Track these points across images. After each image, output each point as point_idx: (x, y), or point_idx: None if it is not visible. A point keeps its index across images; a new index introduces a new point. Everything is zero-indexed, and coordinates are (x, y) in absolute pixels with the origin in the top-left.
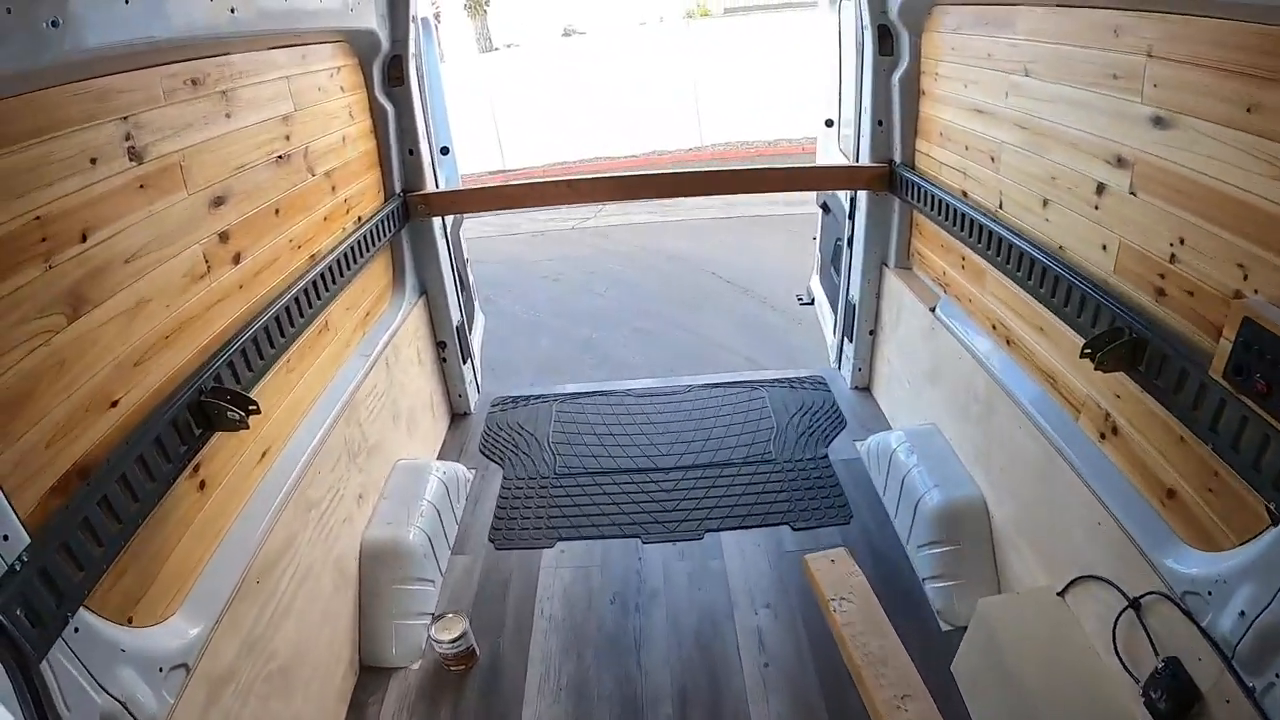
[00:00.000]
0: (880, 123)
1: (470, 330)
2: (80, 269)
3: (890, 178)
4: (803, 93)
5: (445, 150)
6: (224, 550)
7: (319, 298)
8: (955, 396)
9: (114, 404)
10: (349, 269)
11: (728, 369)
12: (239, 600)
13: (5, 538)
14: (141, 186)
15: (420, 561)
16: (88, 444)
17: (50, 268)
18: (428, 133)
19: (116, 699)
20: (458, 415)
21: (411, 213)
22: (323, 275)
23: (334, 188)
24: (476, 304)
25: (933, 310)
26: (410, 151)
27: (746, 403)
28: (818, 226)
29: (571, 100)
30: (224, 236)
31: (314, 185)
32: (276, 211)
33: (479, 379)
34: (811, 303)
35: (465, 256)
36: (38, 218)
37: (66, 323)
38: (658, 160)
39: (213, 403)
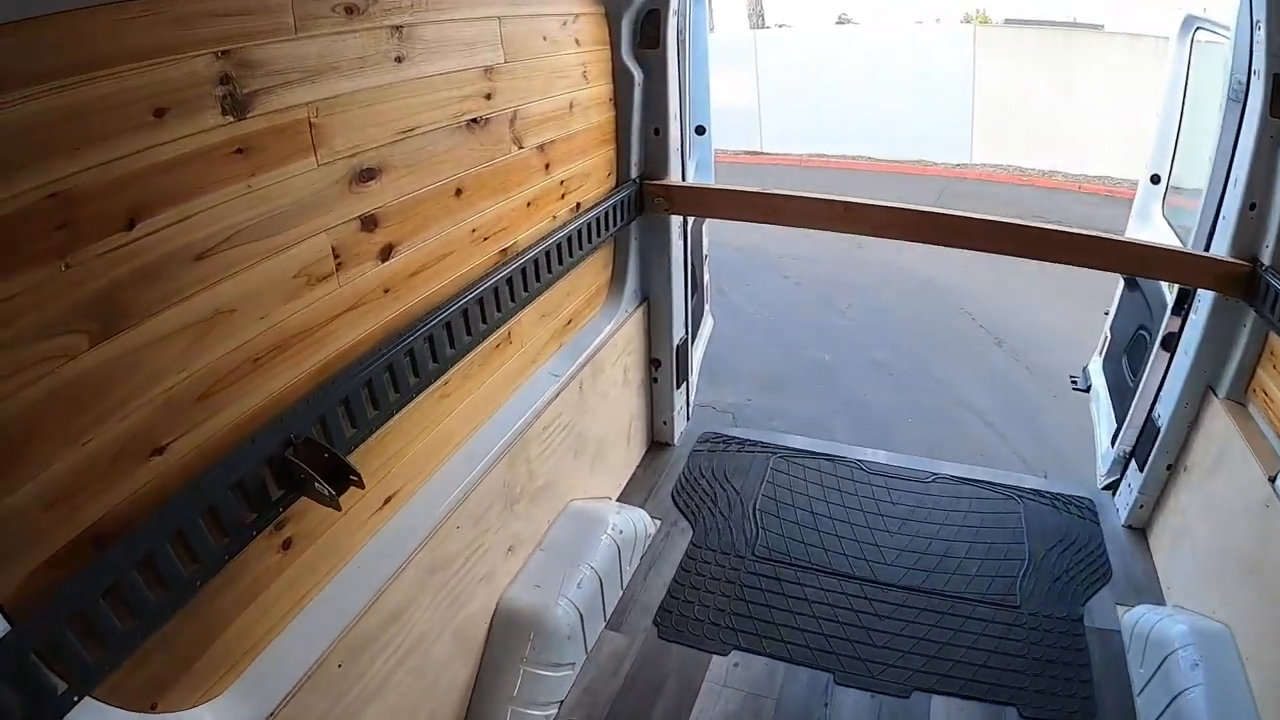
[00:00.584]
0: (1253, 206)
1: (694, 341)
2: (117, 269)
3: (1250, 282)
4: (1088, 125)
5: (701, 130)
6: (302, 624)
7: (504, 305)
8: (1277, 608)
9: (158, 451)
10: (555, 268)
11: (971, 441)
12: (308, 690)
13: None
14: (239, 151)
15: (561, 644)
16: (112, 502)
17: (67, 267)
18: (681, 110)
19: None
20: (658, 443)
21: (646, 205)
22: (515, 276)
23: (548, 166)
24: (708, 307)
25: (1273, 482)
26: (656, 131)
27: (998, 516)
28: (1113, 299)
29: (837, 90)
30: (369, 222)
31: (519, 161)
32: (458, 192)
33: (691, 406)
34: (1086, 389)
35: (705, 253)
36: (53, 195)
37: (88, 344)
38: (922, 171)
39: (298, 465)
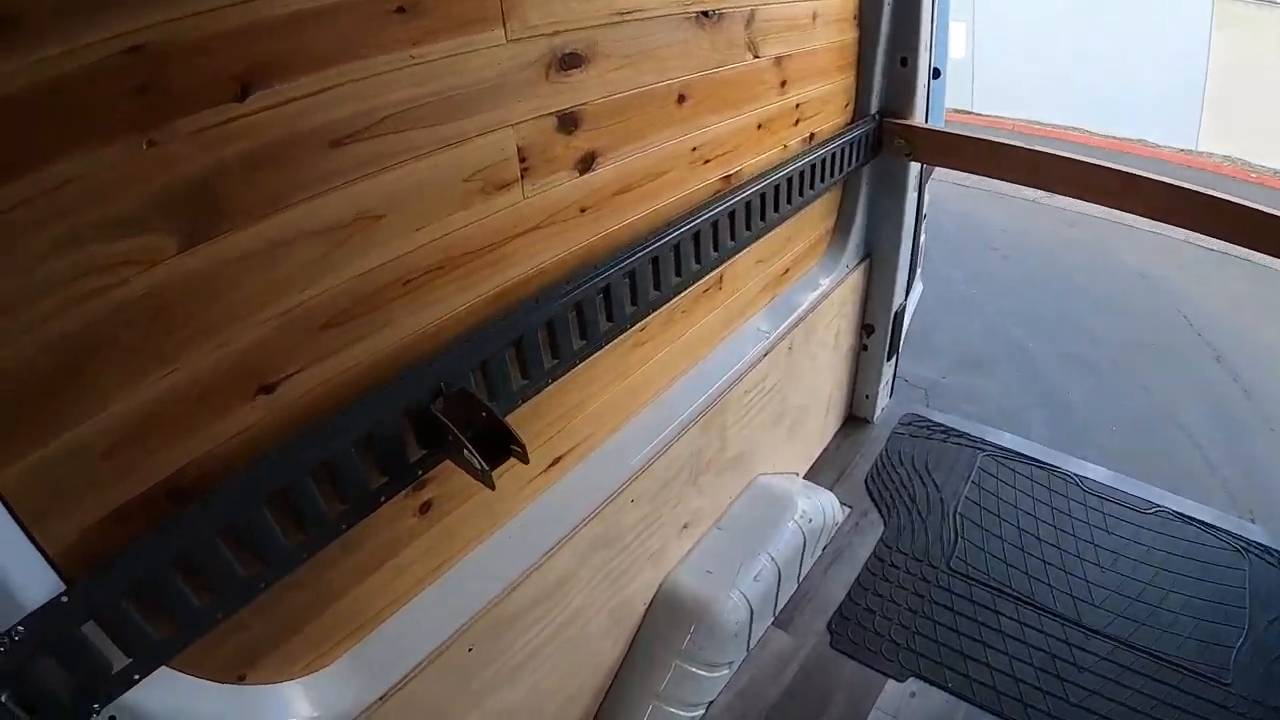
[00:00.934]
0: None
1: (905, 305)
2: (220, 150)
3: None
4: None
5: (937, 73)
6: (432, 597)
7: (723, 244)
8: None
9: (266, 390)
10: (784, 206)
11: (1177, 462)
12: (430, 673)
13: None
14: (400, 10)
15: (725, 642)
16: (199, 450)
17: (151, 145)
18: (931, 41)
19: None
20: (855, 418)
21: (885, 146)
22: (739, 210)
23: (784, 84)
24: (919, 271)
25: None
26: (903, 61)
27: (1220, 570)
28: None
29: (1055, 52)
30: (569, 122)
31: (753, 72)
32: (680, 99)
33: (894, 380)
34: None
35: (924, 211)
36: (134, 49)
37: (176, 248)
38: (1140, 151)
39: (445, 423)
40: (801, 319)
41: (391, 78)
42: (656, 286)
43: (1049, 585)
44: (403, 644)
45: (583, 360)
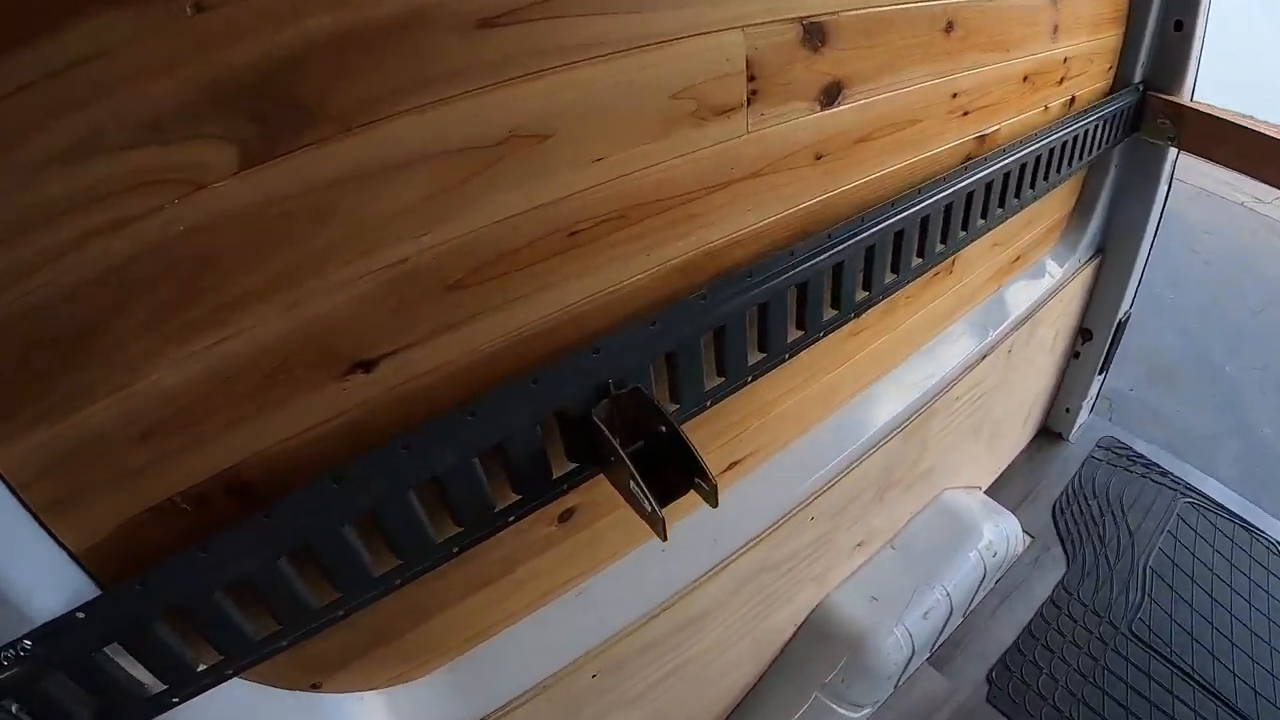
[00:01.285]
0: None
1: (1130, 313)
2: (306, 21)
3: None
4: None
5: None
6: (558, 612)
7: (973, 220)
8: None
9: (363, 367)
10: (1040, 182)
11: None
12: (542, 700)
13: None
14: None
15: (878, 683)
16: (272, 438)
17: (199, 8)
18: (1209, 5)
19: None
20: (1049, 432)
21: (1144, 125)
22: (996, 180)
23: (1056, 29)
24: None
25: None
26: (1178, 25)
27: None
28: None
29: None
30: (814, 34)
31: (1029, 7)
32: (948, 28)
33: (1099, 396)
34: None
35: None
36: None
37: (238, 164)
38: None
39: (606, 439)
40: (1028, 316)
41: None
42: (894, 268)
43: (1235, 675)
44: (514, 663)
45: (794, 353)
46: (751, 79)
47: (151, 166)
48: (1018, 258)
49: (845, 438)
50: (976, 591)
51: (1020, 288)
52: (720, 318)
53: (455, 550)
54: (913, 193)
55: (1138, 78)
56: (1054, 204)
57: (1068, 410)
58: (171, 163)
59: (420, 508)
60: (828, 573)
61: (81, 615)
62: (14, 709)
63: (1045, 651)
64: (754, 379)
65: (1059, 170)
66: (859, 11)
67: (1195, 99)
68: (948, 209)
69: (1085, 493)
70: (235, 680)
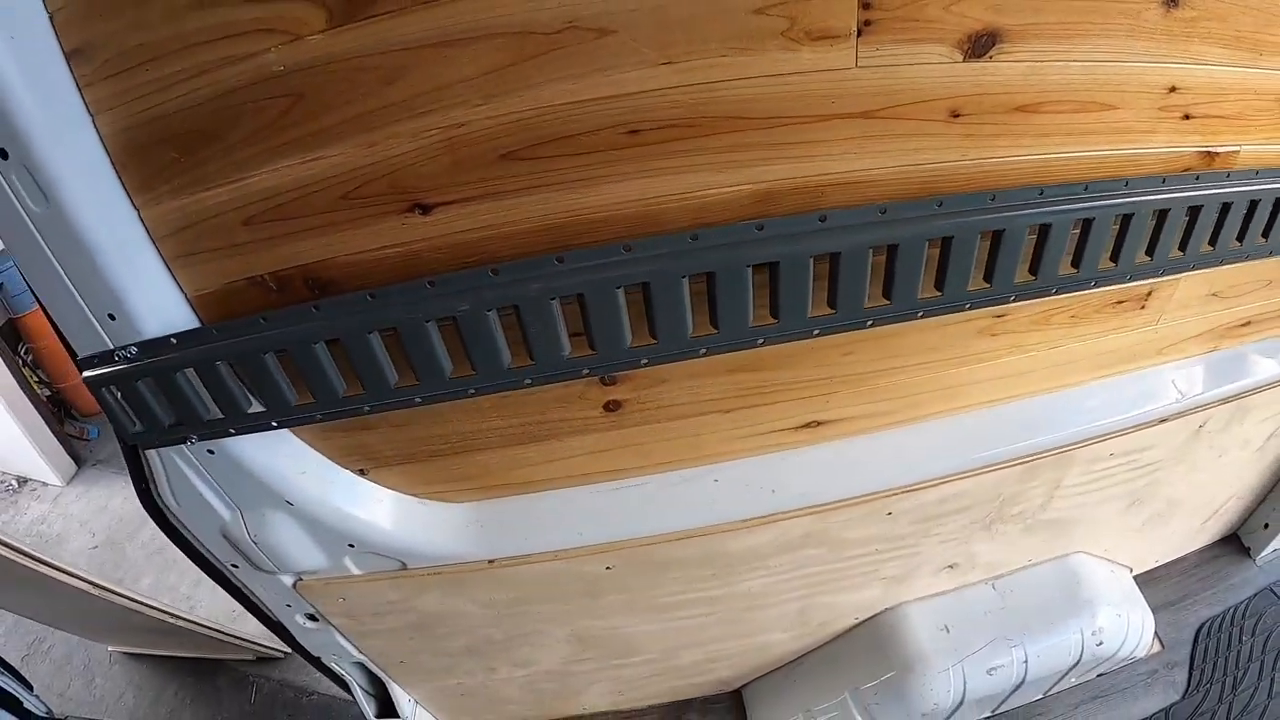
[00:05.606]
0: None
1: None
2: None
3: None
4: None
5: None
6: (592, 496)
7: (1165, 246)
8: None
9: (421, 209)
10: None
11: None
12: (558, 563)
13: (113, 317)
14: None
15: (907, 713)
16: (346, 248)
17: None
18: None
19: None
20: (1234, 542)
21: None
22: (1210, 204)
23: None
24: None
25: None
26: None
27: None
28: None
29: None
30: None
31: None
32: (1171, 2)
33: None
34: None
35: None
36: None
37: (324, 23)
38: None
39: None
40: (1236, 397)
41: None
42: (1033, 268)
43: None
44: (537, 525)
45: (874, 324)
46: (866, 6)
47: (262, 16)
48: (1247, 323)
49: (952, 444)
50: (1067, 674)
51: (1239, 359)
52: (776, 253)
53: (471, 391)
54: (1076, 185)
55: None
56: None
57: (1266, 526)
58: (276, 13)
59: (438, 341)
60: (905, 580)
61: (174, 340)
62: (118, 396)
63: None
64: (812, 334)
65: None
66: None
67: None
68: (1127, 220)
69: (1244, 625)
70: (292, 440)
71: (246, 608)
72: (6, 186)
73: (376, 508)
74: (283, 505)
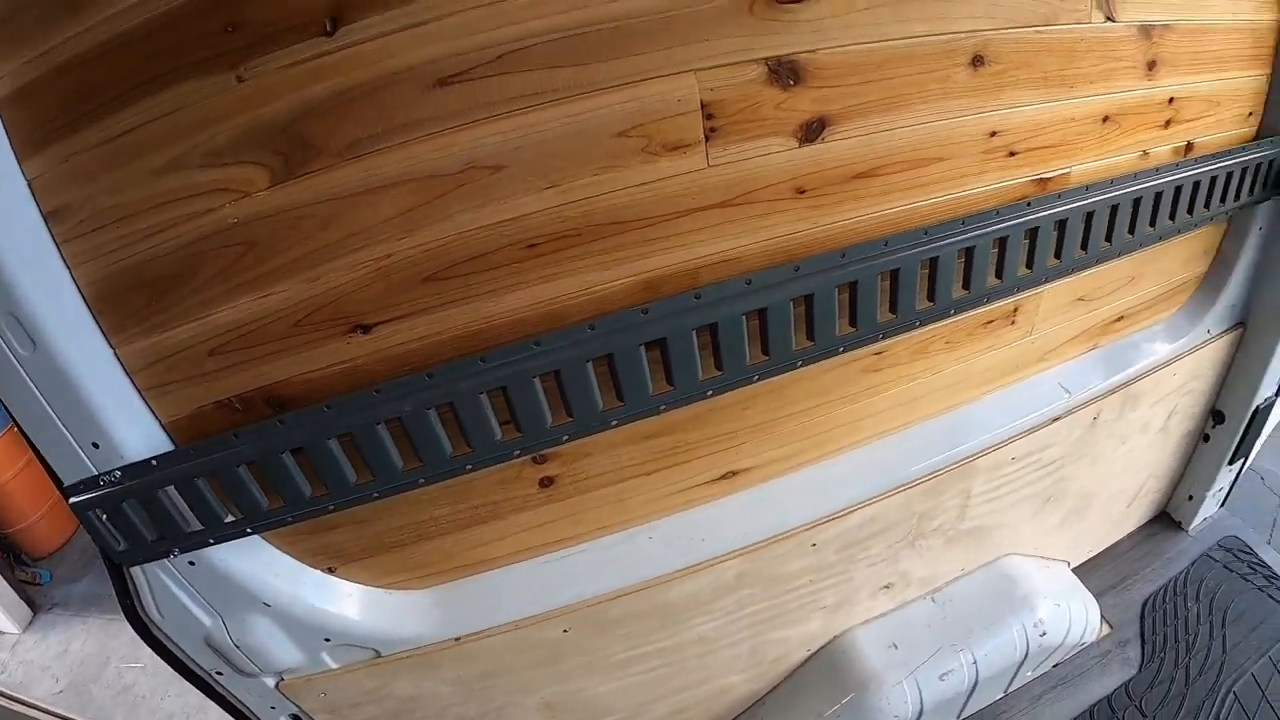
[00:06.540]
0: None
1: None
2: (308, 88)
3: None
4: None
5: None
6: (541, 568)
7: (1011, 269)
8: None
9: (363, 329)
10: (1128, 235)
11: None
12: (514, 635)
13: (96, 445)
14: None
15: None
16: (300, 369)
17: (240, 80)
18: None
19: (233, 641)
20: (1165, 519)
21: None
22: (1045, 226)
23: (1152, 65)
24: None
25: None
26: None
27: None
28: None
29: None
30: (784, 72)
31: (1101, 40)
32: (975, 62)
33: (1232, 489)
34: None
35: None
36: None
37: (268, 182)
38: None
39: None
40: (1123, 386)
41: (514, 6)
42: (893, 308)
43: None
44: (494, 600)
45: (760, 379)
46: (710, 117)
47: (218, 177)
48: (1120, 317)
49: (860, 473)
50: (1020, 669)
51: (1118, 352)
52: (661, 331)
53: (420, 481)
54: (913, 232)
55: None
56: (1177, 261)
57: (1190, 498)
58: (229, 175)
59: (389, 440)
60: (846, 606)
61: (154, 462)
62: (103, 518)
63: None
64: (706, 396)
65: (1154, 224)
66: (843, 48)
67: None
68: (969, 253)
69: (1187, 593)
70: (264, 545)
71: (234, 716)
72: None
73: (347, 601)
74: (261, 607)
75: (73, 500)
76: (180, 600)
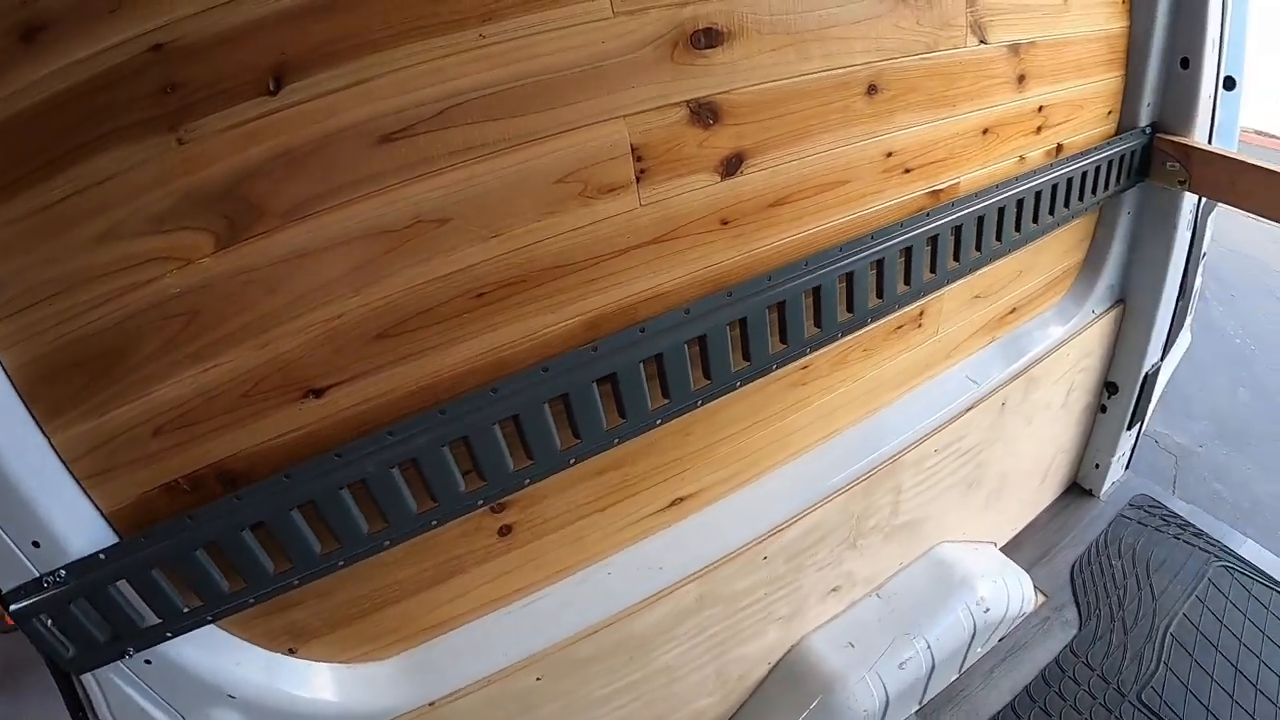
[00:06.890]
0: None
1: (1160, 365)
2: (251, 149)
3: None
4: None
5: (1230, 84)
6: (506, 618)
7: (918, 275)
8: None
9: (315, 394)
10: (1014, 234)
11: None
12: (490, 690)
13: (37, 544)
14: None
15: None
16: (251, 441)
17: (181, 143)
18: (1221, 39)
19: None
20: (1078, 488)
21: (1153, 170)
22: (943, 234)
23: (1022, 79)
24: (1188, 320)
25: None
26: (1184, 62)
27: None
28: None
29: None
30: (704, 113)
31: (977, 62)
32: (870, 91)
33: (1134, 452)
34: None
35: (1204, 250)
36: (156, 48)
37: (213, 247)
38: None
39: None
40: (1023, 371)
41: (453, 63)
42: (817, 323)
43: None
44: (464, 657)
45: (704, 403)
46: (639, 160)
47: (156, 247)
48: (1013, 309)
49: (798, 484)
50: (969, 648)
51: (1015, 340)
52: (611, 368)
53: (386, 544)
54: (835, 249)
55: (1144, 120)
56: (1057, 253)
57: (1097, 466)
58: (171, 242)
59: (353, 503)
60: (799, 614)
61: (103, 556)
62: (48, 623)
63: (1043, 715)
64: (657, 424)
65: (1037, 220)
66: (754, 87)
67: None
68: (879, 264)
69: (1109, 553)
70: (222, 634)
71: None
72: None
73: (314, 681)
74: (224, 700)
75: (13, 608)
76: (138, 704)
